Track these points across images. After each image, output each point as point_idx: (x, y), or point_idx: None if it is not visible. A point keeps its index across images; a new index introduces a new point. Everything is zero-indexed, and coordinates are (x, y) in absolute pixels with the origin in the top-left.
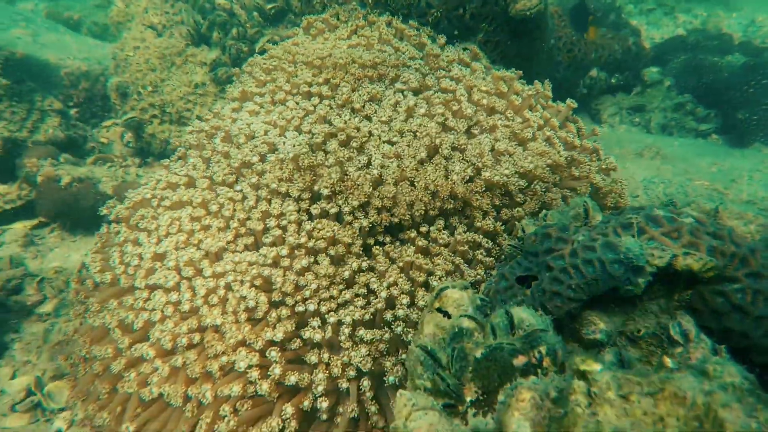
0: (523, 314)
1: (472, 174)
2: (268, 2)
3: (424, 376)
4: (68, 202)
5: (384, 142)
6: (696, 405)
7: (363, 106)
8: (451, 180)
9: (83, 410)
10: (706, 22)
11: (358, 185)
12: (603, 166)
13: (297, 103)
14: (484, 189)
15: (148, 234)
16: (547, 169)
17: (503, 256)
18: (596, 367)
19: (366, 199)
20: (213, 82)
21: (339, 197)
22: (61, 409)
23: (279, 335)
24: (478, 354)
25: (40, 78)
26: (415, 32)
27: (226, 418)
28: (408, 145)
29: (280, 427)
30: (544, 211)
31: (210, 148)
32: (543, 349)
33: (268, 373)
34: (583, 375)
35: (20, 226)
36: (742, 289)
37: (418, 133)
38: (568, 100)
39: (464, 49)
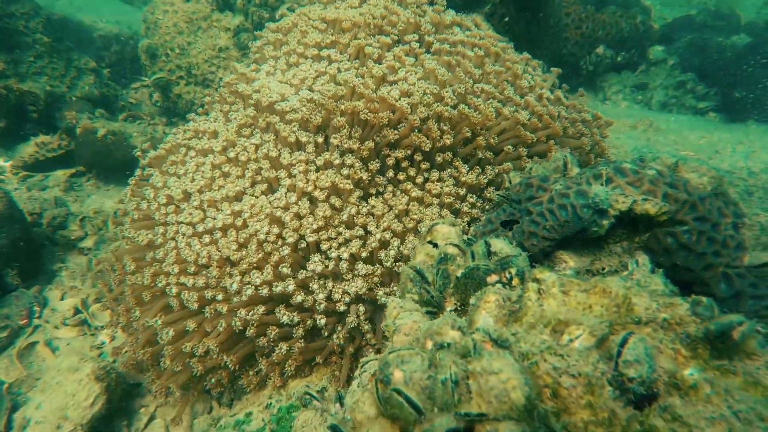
0: (499, 243)
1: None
2: None
3: (413, 290)
4: (103, 153)
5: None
6: (617, 296)
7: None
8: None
9: (120, 315)
10: (720, 2)
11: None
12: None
13: (310, 66)
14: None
15: (176, 177)
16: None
17: (491, 205)
18: (549, 273)
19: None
20: (236, 46)
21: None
22: (104, 327)
23: (286, 252)
24: (459, 273)
25: (75, 39)
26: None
27: (245, 315)
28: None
29: (289, 323)
30: (528, 164)
31: (230, 102)
32: (513, 270)
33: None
34: (538, 280)
35: (61, 174)
36: (689, 230)
37: (425, 76)
38: (554, 69)
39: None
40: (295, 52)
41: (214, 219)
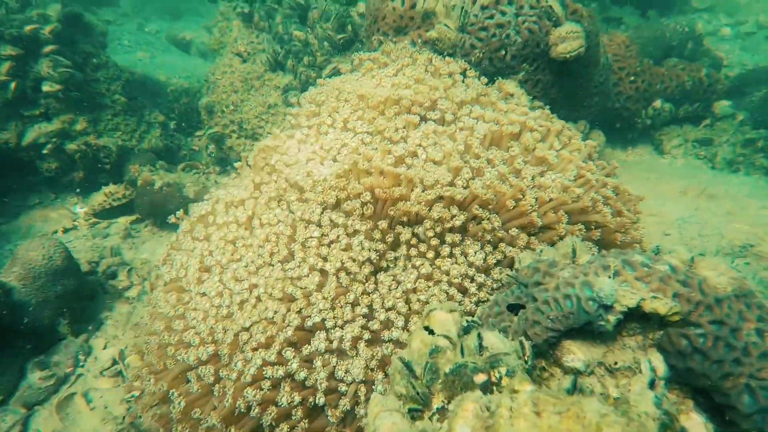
0: (492, 338)
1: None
2: (337, 33)
3: (401, 383)
4: (159, 203)
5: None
6: (590, 423)
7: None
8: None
9: (145, 379)
10: None
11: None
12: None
13: (336, 137)
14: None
15: (201, 248)
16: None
17: (501, 286)
18: (527, 387)
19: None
20: (283, 103)
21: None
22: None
23: (289, 333)
24: (447, 369)
25: (150, 93)
26: (449, 68)
27: (250, 396)
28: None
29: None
30: (540, 247)
31: (263, 172)
32: (503, 370)
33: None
34: (516, 392)
35: (123, 221)
36: (704, 334)
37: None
38: (589, 141)
39: (498, 89)
40: (325, 123)
41: (231, 295)
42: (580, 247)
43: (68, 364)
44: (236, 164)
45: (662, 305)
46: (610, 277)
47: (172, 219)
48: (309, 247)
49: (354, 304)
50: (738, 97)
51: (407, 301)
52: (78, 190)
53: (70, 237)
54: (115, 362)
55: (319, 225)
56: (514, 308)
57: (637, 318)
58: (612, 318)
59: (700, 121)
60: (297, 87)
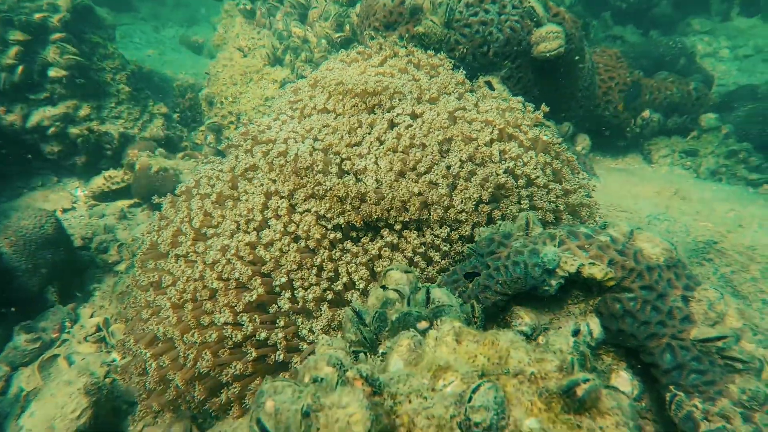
0: (439, 293)
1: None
2: (336, 32)
3: (351, 330)
4: (155, 187)
5: (373, 157)
6: (501, 348)
7: (360, 126)
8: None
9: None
10: None
11: (337, 194)
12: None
13: (318, 119)
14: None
15: (181, 216)
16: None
17: (462, 257)
18: (450, 323)
19: (341, 205)
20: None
21: (322, 201)
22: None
23: (253, 298)
24: (394, 318)
25: (157, 88)
26: (431, 61)
27: (206, 358)
28: (390, 160)
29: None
30: (498, 222)
31: (243, 148)
32: (444, 319)
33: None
34: (438, 329)
35: (120, 204)
36: (634, 298)
37: (398, 150)
38: (539, 110)
39: (486, 82)
40: (307, 107)
41: (204, 256)
42: (534, 220)
43: (54, 330)
44: (214, 159)
45: (598, 271)
46: (555, 246)
47: (155, 199)
48: (281, 216)
49: (320, 268)
50: (726, 112)
51: (371, 267)
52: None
53: (68, 216)
54: (99, 329)
55: (290, 197)
56: (470, 276)
57: (580, 286)
58: (554, 282)
59: (688, 133)
60: (293, 81)
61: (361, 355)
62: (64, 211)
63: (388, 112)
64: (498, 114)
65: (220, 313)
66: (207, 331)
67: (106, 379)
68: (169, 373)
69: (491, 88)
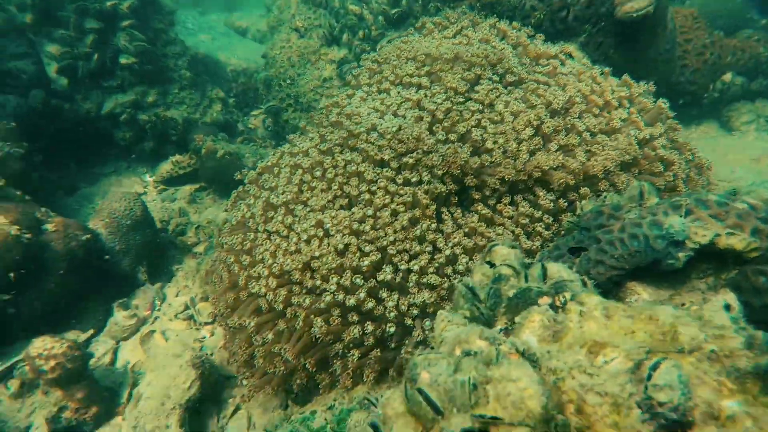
0: (556, 267)
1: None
2: (392, 7)
3: (465, 306)
4: (221, 170)
5: (475, 123)
6: (663, 324)
7: (464, 91)
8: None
9: (217, 309)
10: None
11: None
12: (694, 164)
13: (398, 93)
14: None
15: (269, 191)
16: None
17: (563, 232)
18: (594, 297)
19: (450, 170)
20: (338, 77)
21: (422, 168)
22: (207, 323)
23: (366, 262)
24: (511, 293)
25: (212, 73)
26: (515, 32)
27: (319, 324)
28: (496, 125)
29: (360, 335)
30: (604, 194)
31: (326, 124)
32: (567, 295)
33: (352, 296)
34: (581, 302)
35: (188, 188)
36: None
37: (505, 116)
38: (659, 100)
39: (561, 51)
40: (387, 79)
41: (298, 231)
42: (649, 189)
43: (146, 308)
44: (290, 136)
45: (738, 241)
46: (681, 216)
47: (237, 175)
48: (378, 188)
49: (420, 241)
50: None
51: (471, 238)
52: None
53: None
54: (187, 307)
55: (386, 166)
56: (575, 251)
57: (709, 258)
58: (682, 255)
59: None
60: (351, 61)
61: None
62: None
63: (488, 80)
64: (596, 81)
65: (325, 281)
66: (316, 299)
67: (203, 352)
68: (276, 346)
69: (569, 56)
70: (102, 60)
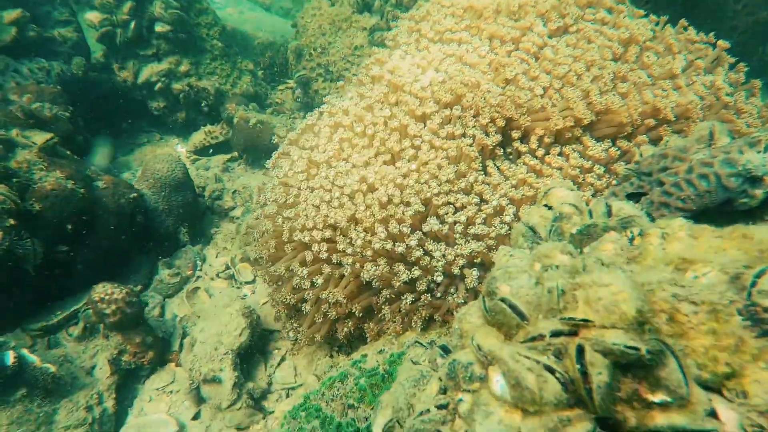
0: (621, 204)
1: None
2: None
3: (525, 246)
4: (253, 138)
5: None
6: (761, 241)
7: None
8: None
9: (262, 261)
10: None
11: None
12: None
13: (439, 49)
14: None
15: (311, 150)
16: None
17: (618, 180)
18: (678, 220)
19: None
20: (370, 44)
21: (468, 116)
22: (247, 282)
23: (409, 214)
24: (574, 230)
25: (241, 45)
26: None
27: (372, 267)
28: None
29: (411, 277)
30: (666, 138)
31: (365, 82)
32: (635, 230)
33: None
34: (662, 227)
35: (220, 157)
36: None
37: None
38: (720, 41)
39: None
40: (426, 37)
41: (342, 186)
42: (720, 129)
43: (189, 267)
44: (326, 98)
45: None
46: (759, 152)
47: (275, 139)
48: (423, 141)
49: (467, 192)
50: None
51: (519, 190)
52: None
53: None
54: (227, 267)
55: (426, 122)
56: (634, 197)
57: None
58: (760, 192)
59: None
60: (384, 28)
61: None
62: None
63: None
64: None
65: (370, 233)
66: (364, 246)
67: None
68: (324, 293)
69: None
70: (139, 28)
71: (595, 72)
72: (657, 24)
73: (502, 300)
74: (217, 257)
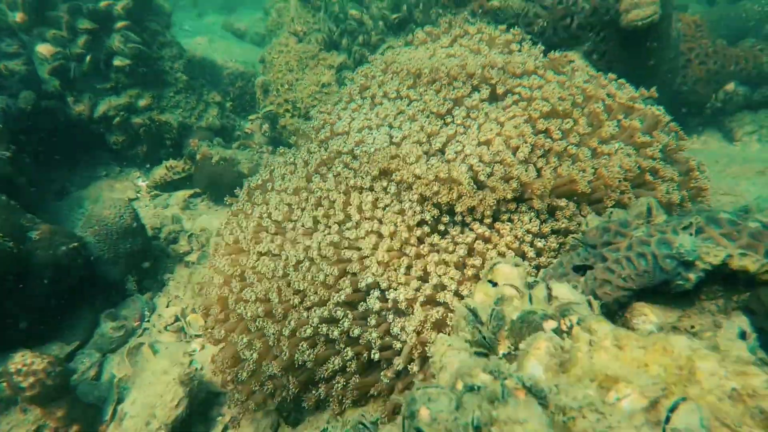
0: (562, 289)
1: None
2: (392, 12)
3: (466, 329)
4: (215, 176)
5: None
6: (679, 357)
7: (444, 113)
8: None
9: (207, 325)
10: None
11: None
12: (691, 184)
13: (377, 114)
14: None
15: (261, 210)
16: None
17: (568, 248)
18: (604, 325)
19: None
20: (336, 82)
21: (407, 191)
22: (197, 336)
23: (342, 298)
24: (514, 316)
25: (209, 75)
26: (505, 36)
27: (304, 350)
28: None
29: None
30: (609, 209)
31: (314, 140)
32: (574, 318)
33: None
34: (590, 330)
35: (182, 194)
36: None
37: (483, 138)
38: (656, 110)
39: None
40: (377, 95)
41: (286, 256)
42: (656, 206)
43: (135, 318)
44: (280, 149)
45: (752, 262)
46: (691, 234)
47: (228, 200)
48: (364, 210)
49: (408, 267)
50: None
51: (462, 266)
52: (147, 165)
53: (134, 206)
54: (177, 319)
55: (371, 190)
56: (580, 269)
57: (720, 279)
58: (693, 276)
59: None
60: (351, 66)
61: (492, 359)
62: (130, 200)
63: (469, 96)
64: (593, 87)
65: (310, 311)
66: (300, 326)
67: (191, 368)
68: (265, 362)
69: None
70: (95, 61)
71: (516, 143)
72: (591, 77)
73: (417, 430)
74: (168, 306)
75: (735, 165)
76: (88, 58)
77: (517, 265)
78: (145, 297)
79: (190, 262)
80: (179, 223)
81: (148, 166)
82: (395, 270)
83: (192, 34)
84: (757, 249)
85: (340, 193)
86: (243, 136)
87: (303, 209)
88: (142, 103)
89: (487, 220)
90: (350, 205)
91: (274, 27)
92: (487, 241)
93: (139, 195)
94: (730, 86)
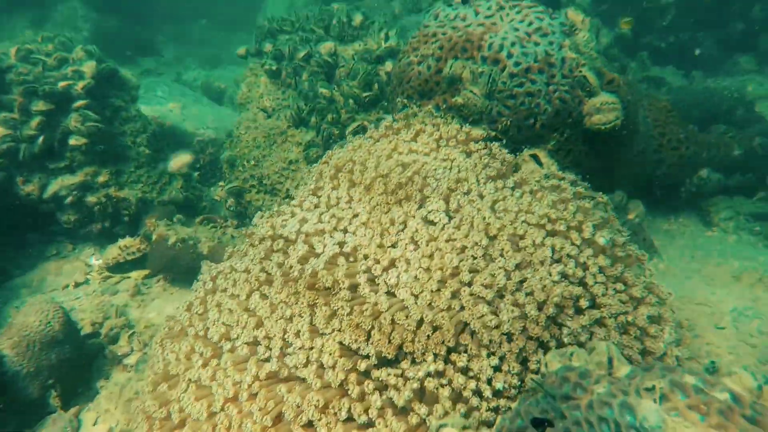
0: None
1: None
2: (363, 91)
3: None
4: (171, 259)
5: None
6: None
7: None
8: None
9: None
10: None
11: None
12: (651, 313)
13: (332, 216)
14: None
15: (198, 336)
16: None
17: (526, 390)
18: None
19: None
20: (304, 160)
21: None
22: None
23: None
24: None
25: (179, 143)
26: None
27: None
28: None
29: None
30: (570, 349)
31: (262, 248)
32: None
33: None
34: None
35: (135, 275)
36: None
37: (432, 266)
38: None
39: (532, 155)
40: (330, 201)
41: (216, 389)
42: (617, 356)
43: None
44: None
45: None
46: (655, 401)
47: (167, 321)
48: (301, 339)
49: (348, 411)
50: None
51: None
52: (102, 243)
53: (80, 293)
54: None
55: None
56: (539, 423)
57: None
58: None
59: (755, 193)
60: (319, 144)
61: None
62: (77, 285)
63: (421, 207)
64: (548, 206)
65: None
66: None
67: None
68: None
69: (538, 162)
70: (49, 142)
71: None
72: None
73: None
74: (95, 424)
75: (711, 263)
76: (40, 139)
77: (465, 428)
78: (70, 413)
79: (129, 366)
80: (124, 315)
81: (103, 243)
82: (334, 414)
83: (165, 101)
84: (726, 429)
85: (275, 319)
86: (210, 205)
87: (239, 333)
88: (99, 179)
89: (441, 357)
90: (286, 333)
91: (245, 101)
92: (440, 375)
93: (89, 277)
94: (704, 172)
